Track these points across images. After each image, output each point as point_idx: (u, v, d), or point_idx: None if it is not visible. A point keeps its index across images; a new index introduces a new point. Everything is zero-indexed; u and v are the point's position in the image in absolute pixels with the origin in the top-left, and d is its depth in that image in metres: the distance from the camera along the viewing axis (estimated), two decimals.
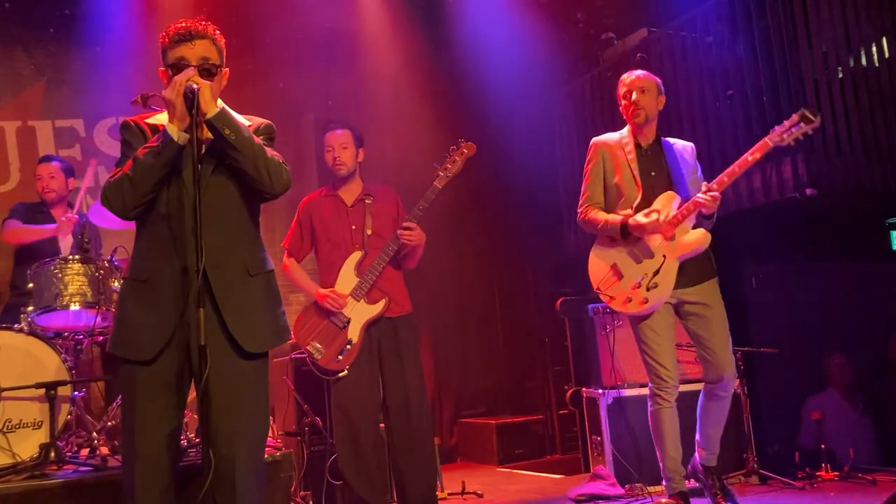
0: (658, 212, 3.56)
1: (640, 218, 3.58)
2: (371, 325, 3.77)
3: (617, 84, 3.82)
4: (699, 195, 3.50)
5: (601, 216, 3.70)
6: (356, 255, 3.82)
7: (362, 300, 3.76)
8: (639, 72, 3.80)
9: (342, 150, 3.87)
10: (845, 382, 5.23)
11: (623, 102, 3.75)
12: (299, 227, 3.97)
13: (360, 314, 3.76)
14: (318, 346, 3.74)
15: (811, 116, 3.51)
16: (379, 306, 3.77)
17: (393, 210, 3.93)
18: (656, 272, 3.57)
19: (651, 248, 3.60)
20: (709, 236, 3.58)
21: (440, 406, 6.56)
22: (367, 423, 3.75)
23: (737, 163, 3.52)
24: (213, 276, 2.32)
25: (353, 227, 3.87)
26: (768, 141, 3.52)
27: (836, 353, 5.23)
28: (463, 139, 3.86)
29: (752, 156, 3.50)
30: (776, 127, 3.56)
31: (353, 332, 3.74)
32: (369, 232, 3.85)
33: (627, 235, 3.63)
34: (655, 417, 3.60)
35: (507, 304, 6.96)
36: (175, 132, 2.29)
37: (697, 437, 3.70)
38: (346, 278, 3.79)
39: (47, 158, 4.70)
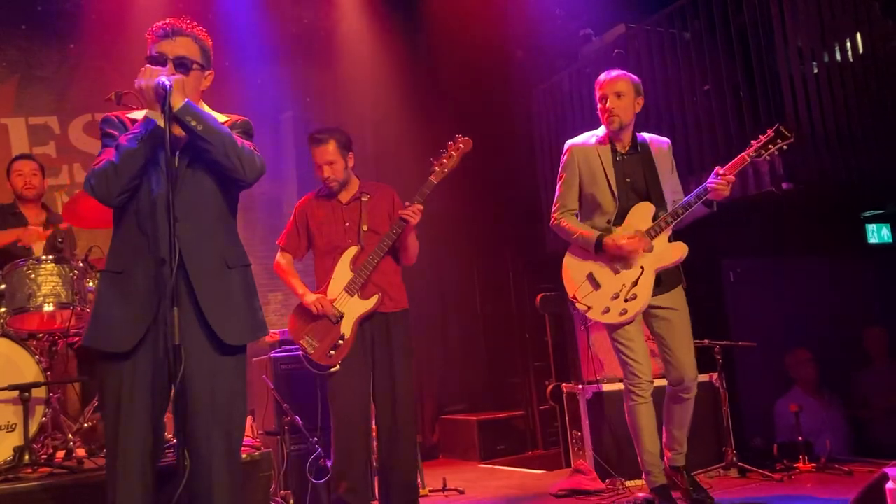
0: (636, 237, 3.53)
1: (619, 240, 3.54)
2: (364, 321, 3.74)
3: (594, 85, 3.73)
4: (711, 180, 3.43)
5: (576, 227, 3.65)
6: (352, 251, 3.79)
7: (356, 295, 3.73)
8: (616, 72, 3.69)
9: (329, 168, 3.80)
10: (810, 378, 5.25)
11: (599, 105, 3.68)
12: (296, 227, 3.93)
13: (353, 309, 3.73)
14: (312, 340, 3.71)
15: (786, 132, 3.48)
16: (371, 302, 3.74)
17: (388, 206, 3.88)
18: (634, 283, 3.55)
19: (629, 260, 3.57)
20: (687, 249, 3.56)
21: (421, 403, 6.54)
22: (359, 419, 3.73)
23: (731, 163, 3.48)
24: (192, 267, 2.32)
25: (347, 224, 3.83)
26: (745, 157, 3.49)
27: (800, 349, 5.26)
28: (459, 134, 3.80)
29: (742, 162, 3.46)
30: (753, 142, 3.53)
31: (346, 328, 3.71)
32: (365, 228, 3.81)
33: (601, 252, 3.60)
34: (632, 413, 3.61)
35: (488, 300, 6.96)
36: (156, 116, 2.31)
37: (664, 438, 3.70)
38: (342, 274, 3.76)
39: (26, 156, 4.66)
